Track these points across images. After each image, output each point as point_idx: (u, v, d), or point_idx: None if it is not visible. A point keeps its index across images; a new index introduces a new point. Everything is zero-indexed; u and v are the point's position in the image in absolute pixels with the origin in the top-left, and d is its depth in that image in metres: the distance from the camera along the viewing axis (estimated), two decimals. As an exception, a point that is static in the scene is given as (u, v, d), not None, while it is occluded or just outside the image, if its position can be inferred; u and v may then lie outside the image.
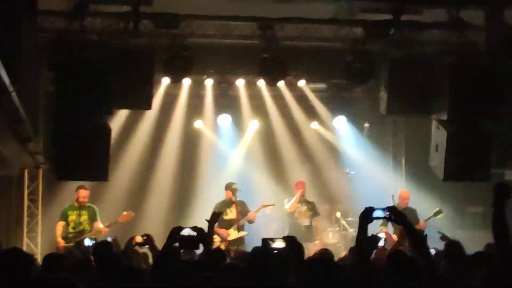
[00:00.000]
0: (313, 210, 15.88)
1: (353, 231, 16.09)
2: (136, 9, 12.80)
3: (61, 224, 14.17)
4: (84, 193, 14.39)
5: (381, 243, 8.65)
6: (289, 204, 15.77)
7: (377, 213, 6.79)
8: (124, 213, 14.55)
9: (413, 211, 14.98)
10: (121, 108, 14.75)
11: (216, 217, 8.75)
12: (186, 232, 7.36)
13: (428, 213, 15.24)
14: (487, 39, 13.80)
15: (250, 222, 15.14)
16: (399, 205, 15.08)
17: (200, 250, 7.89)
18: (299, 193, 15.74)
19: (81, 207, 14.36)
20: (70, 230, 14.20)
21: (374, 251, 7.71)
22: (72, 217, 14.30)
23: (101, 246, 8.20)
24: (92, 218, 14.36)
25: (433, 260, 6.92)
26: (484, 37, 13.83)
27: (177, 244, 7.28)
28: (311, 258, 6.13)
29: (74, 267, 7.73)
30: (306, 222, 15.70)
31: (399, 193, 15.63)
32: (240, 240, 14.93)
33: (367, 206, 6.95)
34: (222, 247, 14.53)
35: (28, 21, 11.15)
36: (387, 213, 6.82)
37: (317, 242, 15.71)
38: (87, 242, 11.00)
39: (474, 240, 8.89)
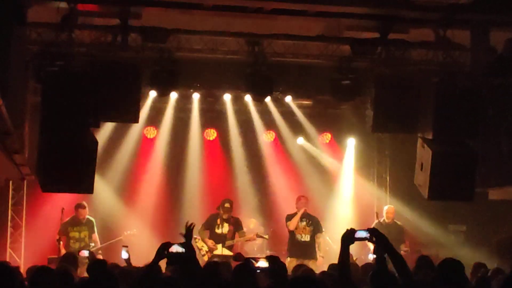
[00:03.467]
0: (314, 226, 15.46)
1: (336, 248, 16.06)
2: (124, 23, 12.84)
3: (63, 239, 14.34)
4: (84, 213, 14.77)
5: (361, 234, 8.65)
6: (291, 220, 15.35)
7: (359, 234, 6.84)
8: (126, 233, 15.22)
9: (399, 227, 15.08)
10: (107, 121, 14.73)
11: (189, 232, 8.79)
12: (175, 248, 7.37)
13: (412, 230, 15.31)
14: (472, 59, 13.92)
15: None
16: (386, 220, 15.21)
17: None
18: (301, 211, 15.31)
19: (80, 223, 14.70)
20: (71, 245, 14.39)
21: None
22: (73, 233, 14.62)
23: (96, 264, 8.13)
24: (91, 231, 14.77)
25: (413, 281, 6.95)
26: (469, 57, 13.94)
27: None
28: (293, 278, 6.12)
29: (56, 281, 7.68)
30: (306, 238, 15.38)
31: (386, 209, 15.72)
32: (225, 258, 14.90)
33: (349, 227, 7.02)
34: (206, 258, 14.59)
35: (17, 32, 11.15)
36: (369, 234, 6.88)
37: (319, 259, 15.29)
38: (85, 253, 11.61)
39: (457, 258, 8.90)
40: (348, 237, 6.84)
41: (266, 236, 15.89)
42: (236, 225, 15.26)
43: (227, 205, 15.18)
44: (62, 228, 14.42)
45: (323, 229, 15.76)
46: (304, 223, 15.40)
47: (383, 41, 13.70)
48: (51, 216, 15.17)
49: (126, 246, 10.58)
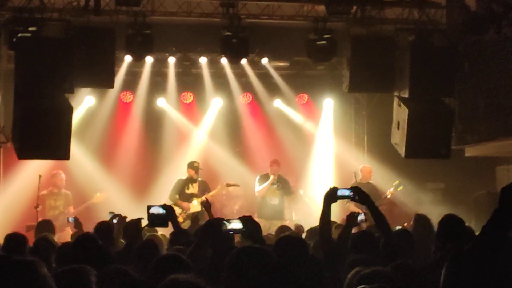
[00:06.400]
0: (284, 189, 15.57)
1: (315, 209, 16.14)
2: (97, -14, 12.70)
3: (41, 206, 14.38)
4: (60, 181, 14.96)
5: (361, 217, 8.74)
6: (260, 188, 15.45)
7: (342, 192, 6.88)
8: (98, 194, 15.12)
9: (373, 186, 15.21)
10: (82, 87, 14.60)
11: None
12: (155, 210, 7.38)
13: (388, 188, 15.44)
14: (448, 17, 13.91)
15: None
16: (362, 180, 15.31)
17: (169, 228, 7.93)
18: (271, 179, 15.35)
19: (57, 194, 14.86)
20: (46, 213, 14.42)
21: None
22: (49, 202, 14.72)
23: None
24: (67, 204, 14.87)
25: (394, 238, 7.01)
26: (444, 15, 13.93)
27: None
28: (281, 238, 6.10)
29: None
30: (274, 200, 15.46)
31: (360, 168, 15.82)
32: (200, 215, 14.92)
33: (331, 186, 7.04)
34: (180, 219, 14.60)
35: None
36: (351, 193, 6.91)
37: (288, 221, 15.38)
38: (70, 220, 11.61)
39: (434, 216, 8.97)
40: (331, 196, 6.86)
41: (238, 184, 15.85)
42: (204, 186, 15.33)
43: (196, 164, 15.27)
44: (40, 197, 14.40)
45: (293, 192, 15.98)
46: (275, 186, 15.48)
47: (359, 0, 13.65)
48: (29, 183, 15.08)
49: (113, 213, 10.55)
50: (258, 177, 15.67)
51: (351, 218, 7.95)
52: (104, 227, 8.74)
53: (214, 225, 6.10)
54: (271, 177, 15.37)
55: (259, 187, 15.49)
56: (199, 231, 6.73)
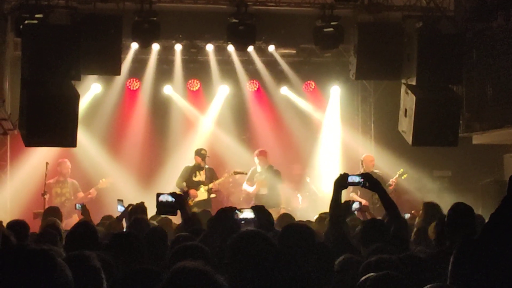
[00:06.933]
0: (272, 179, 15.44)
1: (322, 196, 16.12)
2: (104, -27, 12.67)
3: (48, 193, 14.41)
4: (66, 169, 15.08)
5: (356, 206, 8.71)
6: (246, 189, 15.60)
7: (352, 179, 6.86)
8: (103, 180, 15.15)
9: (377, 175, 15.12)
10: (89, 74, 14.58)
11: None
12: (164, 198, 7.38)
13: (394, 175, 15.39)
14: (455, 4, 13.85)
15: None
16: (365, 170, 15.24)
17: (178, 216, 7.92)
18: (256, 188, 15.33)
19: (64, 182, 14.98)
20: (53, 200, 14.47)
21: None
22: (56, 189, 14.84)
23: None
24: (74, 191, 15.02)
25: (406, 225, 6.98)
26: (452, 2, 13.87)
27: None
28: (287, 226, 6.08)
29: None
30: (263, 191, 15.36)
31: (364, 158, 15.72)
32: (207, 203, 14.94)
33: (341, 172, 7.02)
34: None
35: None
36: (362, 179, 6.89)
37: (282, 209, 15.33)
38: (77, 207, 11.51)
39: (442, 203, 8.94)
40: (341, 182, 6.84)
41: (245, 172, 15.83)
42: (211, 173, 15.34)
43: (203, 151, 15.24)
44: (47, 185, 14.43)
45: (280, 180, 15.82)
46: (263, 176, 15.43)
47: (366, -13, 13.61)
48: (36, 170, 15.11)
49: (121, 200, 10.54)
50: (249, 172, 15.62)
51: (345, 206, 7.92)
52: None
53: (226, 214, 6.10)
54: (255, 186, 15.33)
55: (246, 186, 15.57)
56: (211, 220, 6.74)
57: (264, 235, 4.48)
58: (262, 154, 15.55)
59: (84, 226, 6.67)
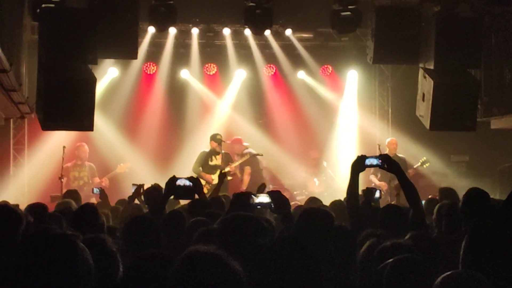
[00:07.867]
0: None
1: (339, 181, 16.10)
2: (120, -43, 12.62)
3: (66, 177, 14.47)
4: (84, 152, 15.34)
5: (377, 195, 8.66)
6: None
7: (370, 161, 6.74)
8: (121, 164, 15.44)
9: (402, 159, 15.04)
10: (106, 58, 14.63)
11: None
12: (182, 182, 7.39)
13: (414, 162, 15.34)
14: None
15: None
16: (388, 153, 15.18)
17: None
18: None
19: (81, 165, 15.22)
20: (71, 184, 14.70)
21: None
22: (73, 173, 15.09)
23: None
24: (92, 175, 15.25)
25: (423, 210, 6.88)
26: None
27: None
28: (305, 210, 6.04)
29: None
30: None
31: (388, 141, 15.70)
32: (223, 187, 14.92)
33: (358, 154, 6.92)
34: (205, 190, 14.60)
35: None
36: (380, 161, 6.77)
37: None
38: (95, 191, 11.66)
39: (459, 188, 8.90)
40: (359, 164, 6.71)
41: (261, 153, 15.89)
42: (228, 158, 15.40)
43: (218, 136, 15.26)
44: (65, 169, 14.50)
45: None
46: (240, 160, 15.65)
47: (384, -30, 13.50)
48: (53, 154, 15.18)
49: (136, 185, 10.57)
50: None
51: (369, 192, 7.86)
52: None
53: (241, 199, 6.08)
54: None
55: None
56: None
57: (254, 218, 4.49)
58: (238, 142, 15.95)
59: (85, 208, 6.70)
